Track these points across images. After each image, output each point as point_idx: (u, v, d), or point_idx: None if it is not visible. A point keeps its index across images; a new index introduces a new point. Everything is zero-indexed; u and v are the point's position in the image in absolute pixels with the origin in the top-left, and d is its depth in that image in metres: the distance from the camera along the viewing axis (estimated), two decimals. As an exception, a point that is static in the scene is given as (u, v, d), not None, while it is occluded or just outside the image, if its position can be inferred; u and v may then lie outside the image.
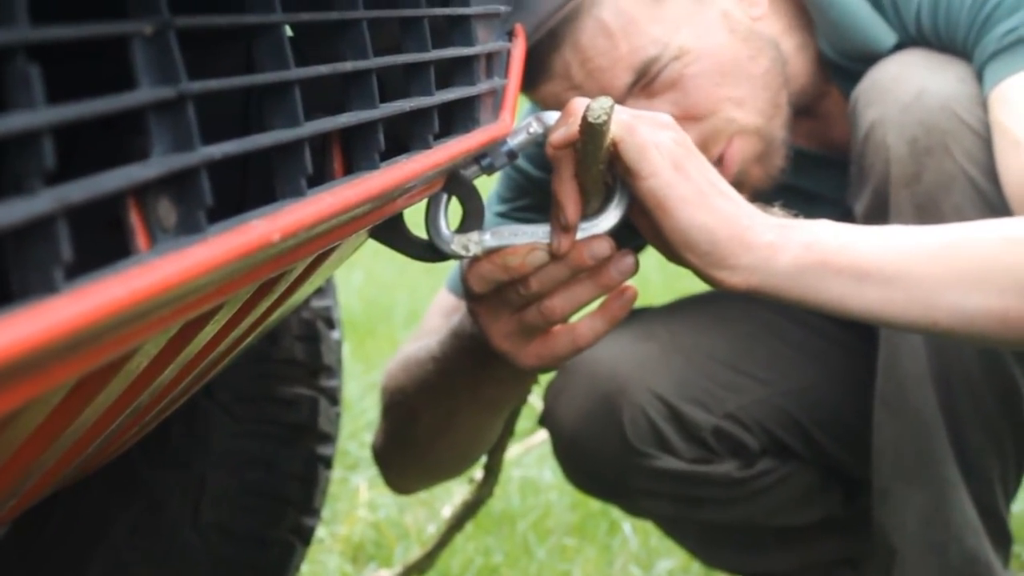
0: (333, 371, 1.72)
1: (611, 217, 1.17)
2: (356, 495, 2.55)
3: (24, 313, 0.52)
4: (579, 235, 1.16)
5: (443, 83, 1.03)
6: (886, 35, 1.52)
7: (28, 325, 0.52)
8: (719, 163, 1.50)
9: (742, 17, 1.53)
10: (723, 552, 1.81)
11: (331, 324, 1.72)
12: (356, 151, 0.88)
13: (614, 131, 1.11)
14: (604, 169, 1.13)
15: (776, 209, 1.19)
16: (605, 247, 1.16)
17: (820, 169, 1.65)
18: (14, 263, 0.54)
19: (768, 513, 1.70)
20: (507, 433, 1.52)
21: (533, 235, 1.16)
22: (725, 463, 1.64)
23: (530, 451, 2.63)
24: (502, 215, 1.71)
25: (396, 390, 1.51)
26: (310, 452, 1.70)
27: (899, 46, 1.50)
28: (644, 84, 1.47)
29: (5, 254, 0.54)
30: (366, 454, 2.70)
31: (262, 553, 1.69)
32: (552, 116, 1.18)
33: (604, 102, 1.07)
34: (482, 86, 1.09)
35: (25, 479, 0.83)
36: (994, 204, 1.39)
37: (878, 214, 1.46)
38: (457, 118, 1.07)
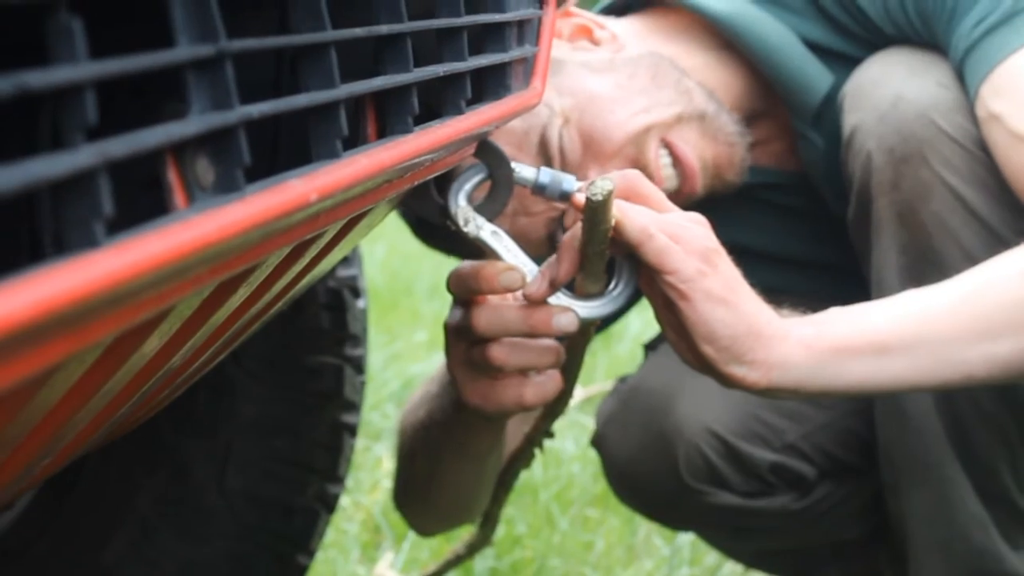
0: (358, 340, 1.73)
1: (607, 305, 1.17)
2: (378, 465, 2.56)
3: (66, 266, 0.52)
4: (582, 312, 1.16)
5: (475, 51, 1.03)
6: (818, 83, 1.52)
7: (70, 277, 0.52)
8: (679, 164, 1.49)
9: (601, 57, 1.53)
10: (775, 566, 1.81)
11: (357, 293, 1.73)
12: (390, 115, 0.88)
13: (632, 236, 1.10)
14: (605, 251, 1.12)
15: (785, 311, 1.18)
16: (572, 324, 1.15)
17: (799, 187, 1.63)
18: (51, 218, 0.54)
19: (824, 534, 1.68)
20: (505, 486, 1.49)
21: (522, 265, 1.16)
22: (781, 495, 1.62)
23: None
24: None
25: (401, 431, 1.51)
26: (335, 420, 1.70)
27: (890, 40, 1.49)
28: (559, 158, 1.46)
29: (39, 211, 0.54)
30: (388, 424, 2.71)
31: (287, 520, 1.70)
32: (569, 180, 1.18)
33: (605, 184, 1.07)
34: (514, 53, 1.09)
35: (59, 438, 0.83)
36: (975, 210, 1.37)
37: (862, 220, 1.45)
38: (489, 85, 1.07)
